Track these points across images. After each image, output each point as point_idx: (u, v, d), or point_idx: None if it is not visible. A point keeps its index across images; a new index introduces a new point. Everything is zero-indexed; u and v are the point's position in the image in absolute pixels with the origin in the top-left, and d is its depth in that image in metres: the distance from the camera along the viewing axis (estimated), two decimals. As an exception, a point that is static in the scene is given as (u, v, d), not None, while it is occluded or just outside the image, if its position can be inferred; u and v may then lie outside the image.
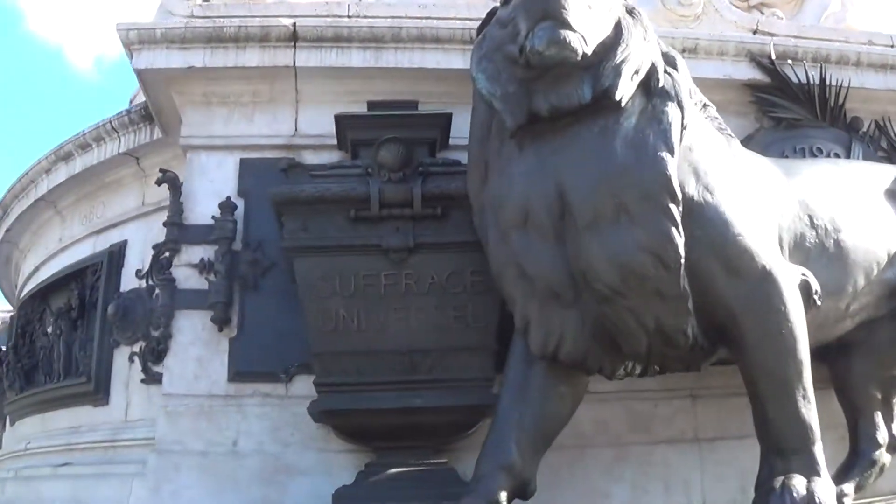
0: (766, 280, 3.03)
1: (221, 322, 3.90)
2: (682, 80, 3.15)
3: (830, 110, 4.49)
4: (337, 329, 3.60)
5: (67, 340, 4.92)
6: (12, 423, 5.80)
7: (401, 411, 3.54)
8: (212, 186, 4.11)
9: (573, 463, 3.86)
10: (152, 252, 4.60)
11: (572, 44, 2.79)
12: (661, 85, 3.05)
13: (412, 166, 3.68)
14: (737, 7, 4.85)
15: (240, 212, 4.04)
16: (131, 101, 6.71)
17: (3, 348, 6.30)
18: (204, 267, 4.00)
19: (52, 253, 5.49)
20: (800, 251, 3.31)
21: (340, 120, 3.93)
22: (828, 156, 4.39)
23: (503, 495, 3.09)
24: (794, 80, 4.41)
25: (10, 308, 7.62)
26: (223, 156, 4.17)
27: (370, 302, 3.61)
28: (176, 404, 3.86)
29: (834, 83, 4.46)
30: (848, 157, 4.38)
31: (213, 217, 4.00)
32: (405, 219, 3.65)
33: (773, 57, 4.39)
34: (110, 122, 4.76)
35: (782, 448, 3.11)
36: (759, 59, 4.41)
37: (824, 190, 3.56)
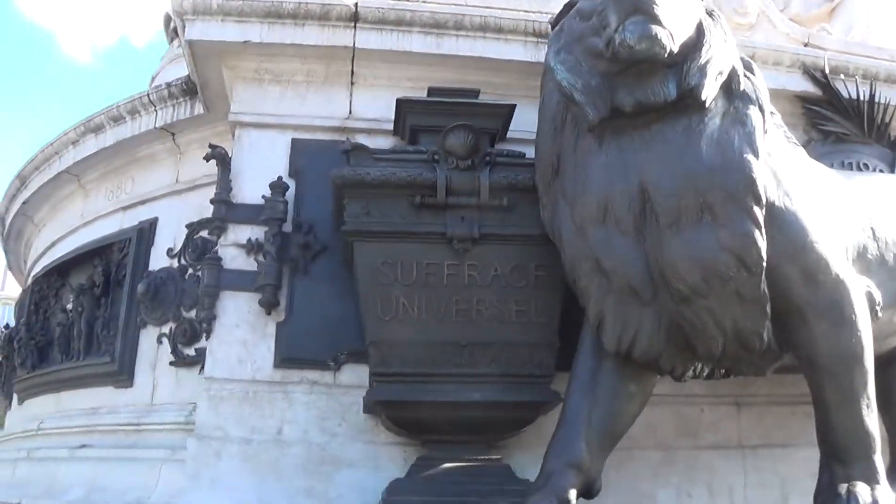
0: (838, 288, 3.03)
1: (270, 305, 3.78)
2: (761, 84, 3.14)
3: (877, 127, 4.52)
4: (396, 317, 3.49)
5: (89, 318, 4.75)
6: (21, 402, 5.58)
7: (458, 405, 3.44)
8: (262, 165, 3.98)
9: (621, 464, 3.79)
10: (186, 231, 4.50)
11: (662, 40, 2.75)
12: (742, 88, 3.04)
13: (479, 155, 3.60)
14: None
15: (290, 193, 3.92)
16: (153, 79, 6.56)
17: (7, 326, 6.08)
18: (252, 247, 3.87)
19: (72, 228, 5.30)
20: (862, 262, 3.32)
21: (402, 104, 3.84)
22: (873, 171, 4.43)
23: (573, 493, 3.04)
24: (845, 95, 4.43)
25: (9, 297, 7.39)
26: (274, 134, 4.05)
27: (432, 291, 3.51)
28: (218, 389, 3.72)
29: (882, 101, 4.49)
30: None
31: (263, 197, 3.88)
32: (471, 208, 3.56)
33: (827, 71, 4.41)
34: (148, 94, 4.61)
35: (844, 456, 3.11)
36: (811, 72, 4.42)
37: (883, 203, 3.58)
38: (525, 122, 3.92)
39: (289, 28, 3.97)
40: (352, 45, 3.99)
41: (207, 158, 3.96)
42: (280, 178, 3.92)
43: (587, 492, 3.16)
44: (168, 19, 7.05)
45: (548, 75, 3.56)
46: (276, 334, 3.80)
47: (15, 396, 5.74)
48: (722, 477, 3.97)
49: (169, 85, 4.54)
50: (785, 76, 4.39)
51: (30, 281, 5.95)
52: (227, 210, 3.91)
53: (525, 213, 3.57)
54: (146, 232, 4.64)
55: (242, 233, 3.91)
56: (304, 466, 3.63)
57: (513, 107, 3.88)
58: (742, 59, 3.14)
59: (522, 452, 3.70)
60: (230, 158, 3.99)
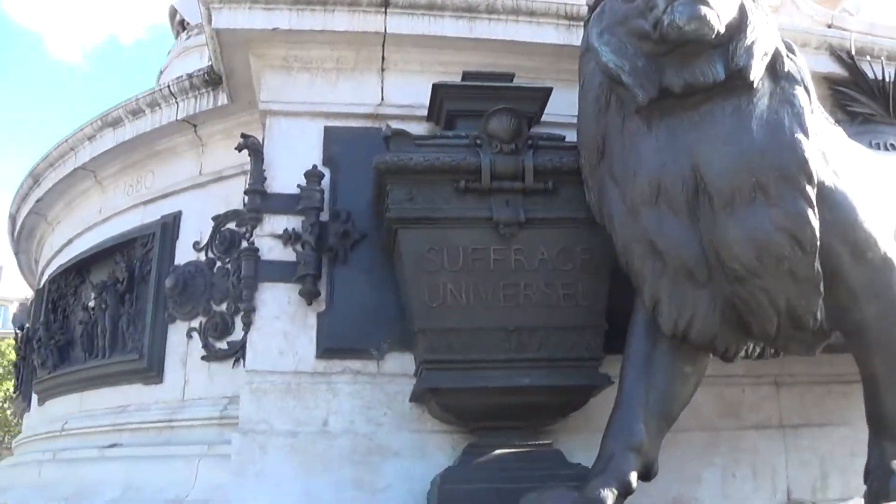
0: (887, 266, 3.04)
1: (310, 295, 3.72)
2: (803, 65, 3.14)
3: (901, 108, 4.54)
4: (444, 304, 3.44)
5: (113, 315, 4.66)
6: (42, 403, 5.46)
7: (507, 391, 3.40)
8: (294, 154, 3.92)
9: (667, 447, 3.70)
10: (212, 223, 4.43)
11: (711, 21, 2.75)
12: (786, 69, 3.03)
13: (522, 138, 3.56)
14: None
15: (325, 181, 3.86)
16: (161, 73, 6.44)
17: (23, 327, 5.95)
18: (289, 238, 3.81)
19: (90, 224, 5.19)
20: None
21: (439, 89, 3.79)
22: (900, 153, 4.45)
23: (633, 476, 3.03)
24: (870, 76, 4.44)
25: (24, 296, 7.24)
26: (305, 122, 3.99)
27: (479, 277, 3.47)
28: (261, 381, 3.66)
29: (907, 81, 4.50)
30: (913, 156, 4.44)
31: (298, 186, 3.82)
32: (515, 192, 3.52)
33: (853, 52, 4.42)
34: (168, 86, 4.52)
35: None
36: (838, 53, 4.43)
37: None
38: (558, 106, 3.91)
39: (318, 14, 3.91)
40: (383, 30, 3.94)
41: (240, 148, 3.89)
42: (315, 166, 3.86)
43: (645, 474, 3.14)
44: (173, 12, 6.91)
45: (587, 57, 3.53)
46: (318, 324, 3.75)
47: (35, 397, 5.62)
48: (764, 457, 3.98)
49: (190, 76, 4.45)
50: (812, 58, 4.36)
51: (45, 280, 5.82)
52: (261, 200, 3.84)
53: (569, 196, 3.54)
54: (170, 226, 4.56)
55: (278, 223, 3.85)
56: (351, 457, 3.59)
57: (549, 90, 3.84)
58: (783, 40, 3.15)
59: (570, 437, 3.68)
60: (263, 148, 3.91)
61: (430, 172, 3.48)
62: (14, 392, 6.60)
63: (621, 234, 3.16)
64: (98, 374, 4.72)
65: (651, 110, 2.97)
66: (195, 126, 4.61)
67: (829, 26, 4.69)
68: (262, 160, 3.89)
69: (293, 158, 3.91)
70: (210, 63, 4.34)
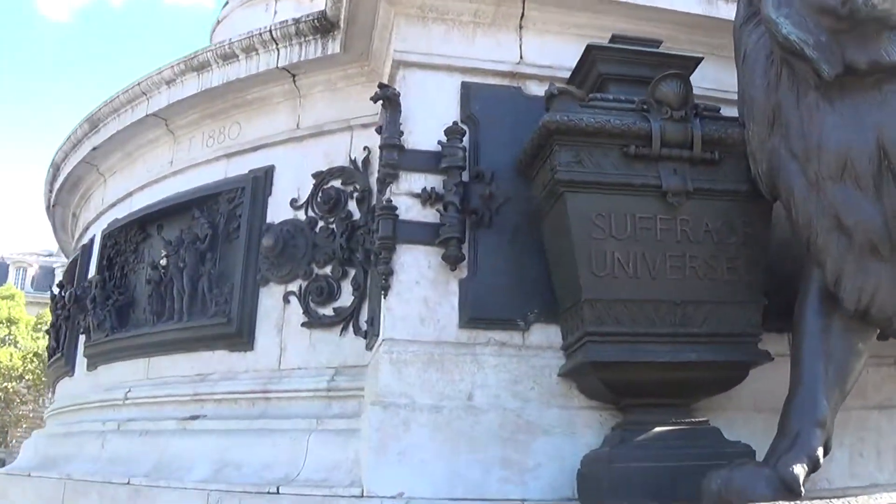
0: None
1: (455, 260, 3.50)
2: None
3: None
4: (612, 273, 3.30)
5: (192, 275, 4.27)
6: (92, 368, 4.98)
7: (673, 366, 3.30)
8: (432, 109, 3.69)
9: None
10: (312, 181, 4.13)
11: None
12: None
13: (689, 106, 3.44)
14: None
15: (464, 140, 3.63)
16: (217, 24, 5.99)
17: (61, 285, 5.43)
18: (428, 197, 3.57)
19: (157, 177, 4.78)
20: None
21: (593, 50, 3.63)
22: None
23: (821, 451, 3.03)
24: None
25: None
26: (442, 77, 3.75)
27: (646, 246, 3.34)
28: (401, 351, 3.41)
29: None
30: None
31: (439, 142, 3.58)
32: (682, 160, 3.40)
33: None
34: (270, 30, 4.16)
35: None
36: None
37: None
38: (694, 77, 3.78)
39: (464, -39, 3.67)
40: (529, -17, 3.73)
41: (375, 99, 3.62)
42: (455, 122, 3.63)
43: (825, 450, 3.09)
44: None
45: (746, 29, 3.48)
46: (460, 292, 3.53)
47: (83, 361, 5.11)
48: (888, 437, 3.97)
49: (297, 21, 4.11)
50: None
51: (91, 236, 5.31)
52: (399, 156, 3.58)
53: (733, 167, 3.47)
54: (262, 180, 4.22)
55: (416, 181, 3.61)
56: (499, 434, 3.38)
57: (700, 59, 3.72)
58: None
59: (717, 414, 3.58)
60: (400, 99, 3.64)
61: (599, 135, 3.34)
62: (51, 355, 5.99)
63: (803, 208, 3.12)
64: (172, 338, 4.35)
65: (830, 86, 2.99)
66: (294, 76, 4.27)
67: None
68: (400, 113, 3.62)
69: (431, 113, 3.68)
70: (324, 8, 4.01)
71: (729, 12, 3.77)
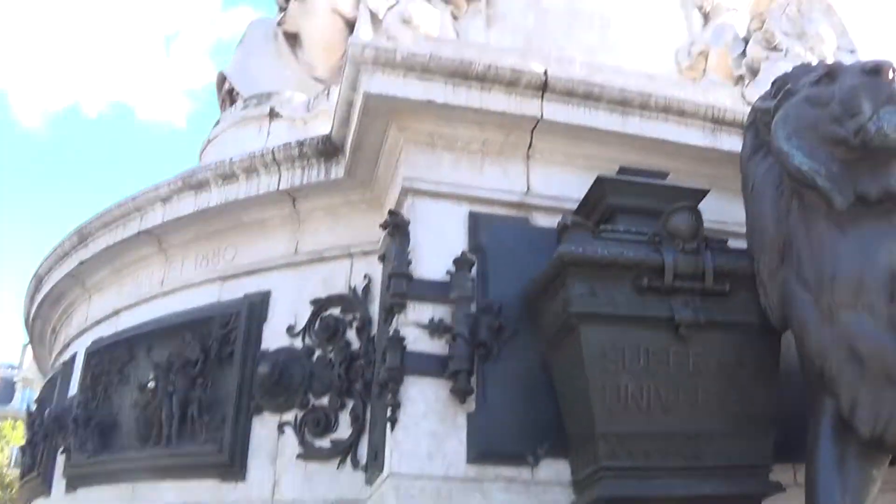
0: None
1: (464, 393, 3.41)
2: None
3: None
4: (625, 407, 3.26)
5: (183, 400, 4.10)
6: (72, 489, 4.69)
7: (687, 500, 3.26)
8: (441, 238, 3.66)
9: None
10: (310, 308, 4.05)
11: None
12: None
13: (700, 238, 3.46)
14: None
15: (472, 270, 3.59)
16: (207, 143, 5.98)
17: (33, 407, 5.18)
18: (436, 328, 3.50)
19: (147, 296, 4.64)
20: None
21: (604, 182, 3.67)
22: None
23: None
24: None
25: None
26: (450, 206, 3.75)
27: (658, 379, 3.32)
28: (408, 486, 3.28)
29: None
30: None
31: (447, 273, 3.55)
32: (693, 293, 3.41)
33: None
34: (272, 152, 4.15)
35: None
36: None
37: None
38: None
39: (474, 91, 3.73)
40: (539, 115, 3.79)
41: (384, 227, 3.59)
42: (464, 252, 3.60)
43: None
44: (222, 80, 6.43)
45: (754, 160, 3.56)
46: (468, 426, 3.42)
47: (62, 482, 4.81)
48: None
49: (301, 143, 4.11)
50: None
51: (76, 353, 5.10)
52: (407, 285, 3.52)
53: (741, 299, 3.49)
54: (258, 306, 4.12)
55: (424, 311, 3.55)
56: (507, 573, 3.23)
57: (706, 192, 3.78)
58: None
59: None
60: (409, 229, 3.61)
61: (612, 267, 3.34)
62: (26, 473, 5.66)
63: (815, 338, 3.15)
64: (161, 464, 4.13)
65: (842, 215, 3.06)
66: (294, 199, 4.24)
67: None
68: (408, 241, 3.58)
69: (439, 243, 3.66)
70: (329, 132, 4.02)
71: (732, 145, 3.88)
